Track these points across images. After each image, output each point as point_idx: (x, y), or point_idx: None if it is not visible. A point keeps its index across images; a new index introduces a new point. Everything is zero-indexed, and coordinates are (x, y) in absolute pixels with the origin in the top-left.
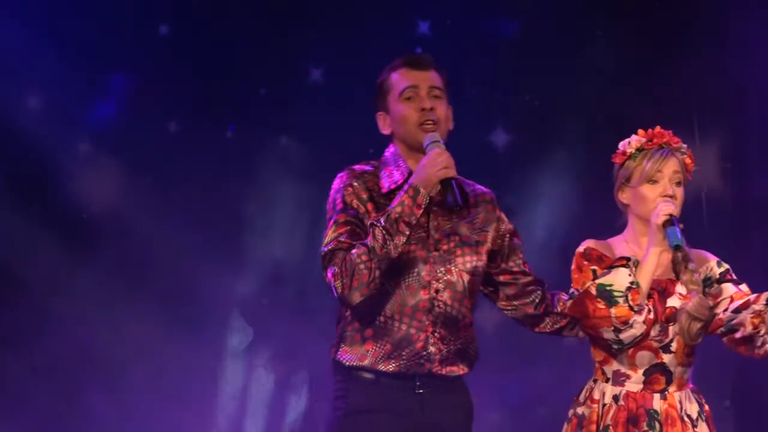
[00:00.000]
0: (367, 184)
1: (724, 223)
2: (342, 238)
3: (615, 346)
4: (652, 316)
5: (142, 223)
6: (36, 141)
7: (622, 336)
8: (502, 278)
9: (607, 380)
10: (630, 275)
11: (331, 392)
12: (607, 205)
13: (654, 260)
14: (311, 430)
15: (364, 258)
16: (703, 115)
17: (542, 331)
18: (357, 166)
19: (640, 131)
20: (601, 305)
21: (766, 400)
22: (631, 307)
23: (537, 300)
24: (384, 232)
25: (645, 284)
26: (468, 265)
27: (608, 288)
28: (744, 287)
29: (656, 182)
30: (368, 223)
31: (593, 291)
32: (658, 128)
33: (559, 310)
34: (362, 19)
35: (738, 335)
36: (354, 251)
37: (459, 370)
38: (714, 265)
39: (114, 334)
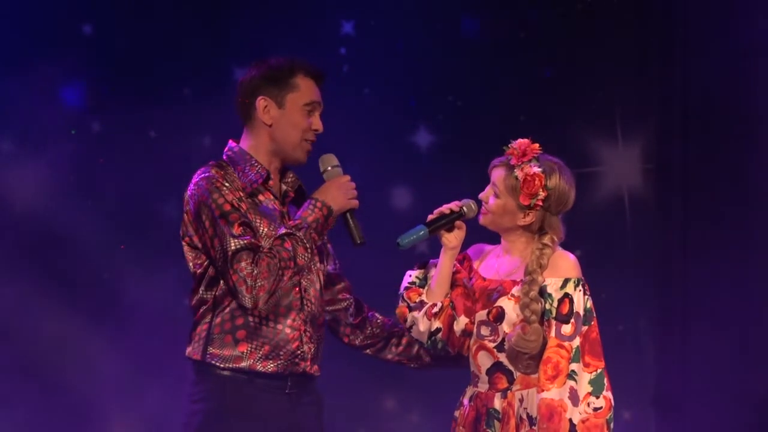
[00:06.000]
0: (234, 183)
1: (647, 224)
2: (249, 238)
3: (425, 346)
4: (436, 310)
5: (64, 223)
6: None
7: (413, 333)
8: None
9: (472, 382)
10: (410, 276)
11: (188, 395)
12: None
13: (441, 259)
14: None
15: (290, 264)
16: (626, 117)
17: (352, 346)
18: (213, 169)
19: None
20: (398, 310)
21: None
22: (408, 306)
23: (350, 308)
24: (307, 244)
25: (433, 284)
26: (320, 265)
27: (400, 293)
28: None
29: None
30: (280, 232)
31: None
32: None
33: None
34: (287, 19)
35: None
36: (279, 257)
37: (320, 368)
38: (559, 284)
39: (32, 333)
